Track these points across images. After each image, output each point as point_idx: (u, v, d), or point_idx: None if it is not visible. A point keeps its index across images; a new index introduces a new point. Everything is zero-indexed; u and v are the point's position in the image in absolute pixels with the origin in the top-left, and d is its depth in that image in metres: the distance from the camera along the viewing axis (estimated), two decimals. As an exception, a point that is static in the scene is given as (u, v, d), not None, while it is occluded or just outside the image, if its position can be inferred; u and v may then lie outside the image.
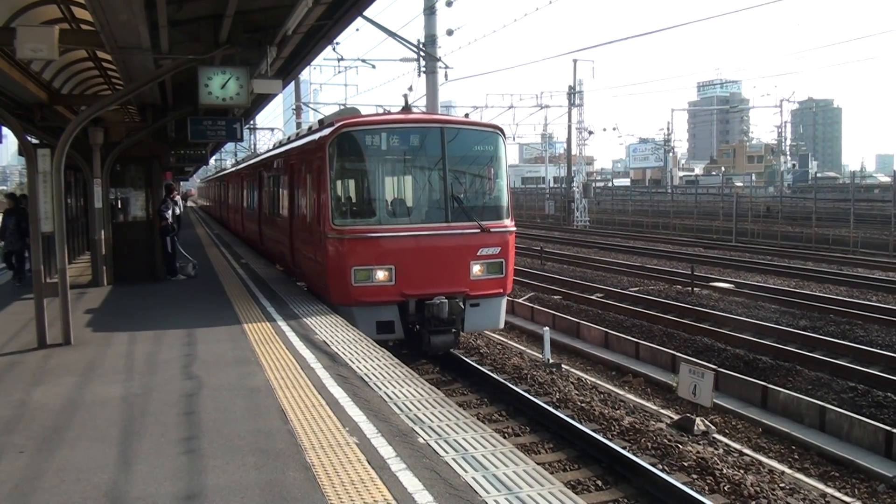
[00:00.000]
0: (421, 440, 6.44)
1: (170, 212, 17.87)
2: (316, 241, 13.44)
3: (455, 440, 6.43)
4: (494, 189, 13.70)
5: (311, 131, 16.64)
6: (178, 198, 23.98)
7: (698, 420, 10.79)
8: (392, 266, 12.43)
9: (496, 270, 13.18)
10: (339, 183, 13.09)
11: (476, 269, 12.95)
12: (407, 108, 14.54)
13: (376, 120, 13.53)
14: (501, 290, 13.46)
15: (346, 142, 12.90)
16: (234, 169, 37.68)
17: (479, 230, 12.88)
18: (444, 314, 12.38)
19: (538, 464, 6.05)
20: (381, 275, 12.42)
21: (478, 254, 12.93)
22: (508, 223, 13.47)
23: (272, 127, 48.17)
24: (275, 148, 23.61)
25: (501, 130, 13.86)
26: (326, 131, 13.23)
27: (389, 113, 14.79)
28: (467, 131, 13.57)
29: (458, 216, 12.88)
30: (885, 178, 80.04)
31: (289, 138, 22.11)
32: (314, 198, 13.51)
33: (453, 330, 12.90)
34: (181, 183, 64.86)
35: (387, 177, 13.44)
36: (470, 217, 12.98)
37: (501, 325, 14.26)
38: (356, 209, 13.20)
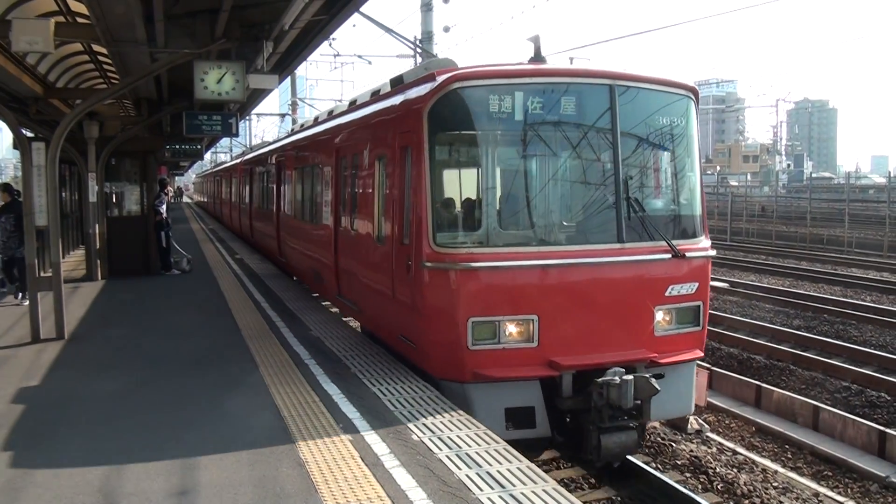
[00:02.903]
0: (415, 437, 6.44)
1: (164, 206, 17.83)
2: (396, 270, 8.73)
3: (449, 437, 6.42)
4: (685, 187, 8.96)
5: (362, 103, 11.67)
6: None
7: (692, 419, 10.80)
8: (534, 316, 7.74)
9: (690, 320, 8.51)
10: (445, 176, 8.39)
11: (661, 318, 8.30)
12: (538, 58, 8.78)
13: (506, 71, 8.33)
14: (698, 352, 8.67)
15: (458, 106, 8.05)
16: (240, 160, 31.67)
17: (670, 256, 8.20)
18: (626, 399, 7.44)
19: (531, 462, 6.06)
20: (515, 330, 7.76)
21: (666, 294, 8.29)
22: (705, 242, 8.77)
23: (283, 113, 46.37)
24: (303, 129, 17.68)
25: (696, 92, 8.93)
26: (420, 90, 8.39)
27: (516, 64, 8.95)
28: (649, 93, 8.56)
29: (636, 233, 8.17)
30: (879, 179, 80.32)
31: (314, 118, 17.25)
32: (393, 200, 8.88)
33: (634, 425, 7.88)
34: (175, 178, 64.66)
35: (524, 167, 8.46)
36: (655, 235, 8.22)
37: (693, 408, 9.10)
38: (474, 222, 8.20)
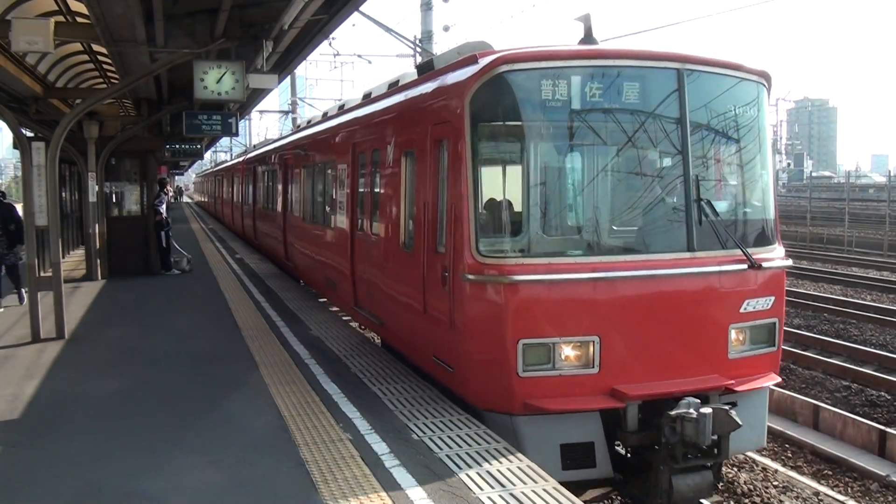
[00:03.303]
0: (415, 437, 6.43)
1: (163, 206, 17.82)
2: (428, 281, 7.70)
3: (448, 437, 6.42)
4: (757, 186, 7.95)
5: (381, 94, 10.59)
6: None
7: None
8: (594, 337, 6.73)
9: (765, 339, 7.56)
10: (489, 174, 7.22)
11: (735, 337, 7.31)
12: (590, 39, 7.94)
13: (561, 52, 7.25)
14: (774, 376, 7.62)
15: (506, 92, 7.02)
16: (243, 158, 30.00)
17: (746, 266, 7.20)
18: (704, 436, 6.41)
19: (531, 461, 6.06)
20: (573, 354, 6.74)
21: (741, 310, 7.29)
22: (780, 250, 7.78)
23: (286, 111, 45.47)
24: (311, 125, 16.55)
25: (768, 78, 7.84)
26: (460, 75, 7.40)
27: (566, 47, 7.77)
28: (720, 78, 7.54)
29: (707, 240, 7.15)
30: (880, 178, 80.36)
31: (323, 114, 16.08)
32: (424, 202, 7.86)
33: (709, 464, 7.00)
34: (175, 177, 64.58)
35: (582, 164, 7.67)
36: (729, 242, 7.25)
37: (765, 442, 8.29)
38: (523, 227, 7.12)
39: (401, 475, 5.58)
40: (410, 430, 6.59)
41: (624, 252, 7.16)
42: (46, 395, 7.91)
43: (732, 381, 7.09)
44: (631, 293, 6.93)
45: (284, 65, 15.84)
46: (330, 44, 32.16)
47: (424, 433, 6.50)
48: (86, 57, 15.61)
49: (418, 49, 24.02)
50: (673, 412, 6.47)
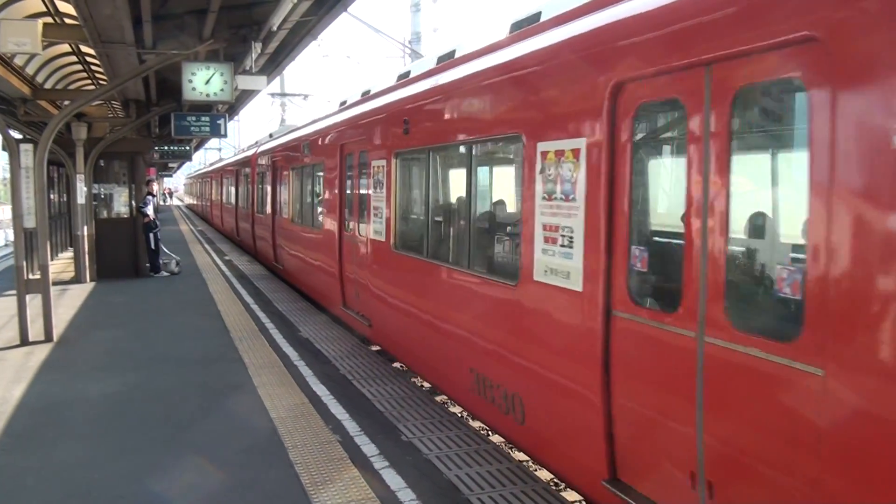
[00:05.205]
0: (404, 438, 6.44)
1: (149, 207, 17.72)
2: None
3: (438, 438, 6.44)
4: None
5: None
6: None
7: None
8: None
9: None
10: None
11: None
12: None
13: None
14: None
15: None
16: (257, 150, 22.25)
17: None
18: None
19: (520, 462, 6.08)
20: None
21: None
22: None
23: (304, 94, 39.94)
24: (379, 93, 10.52)
25: None
26: None
27: None
28: None
29: None
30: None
31: (402, 75, 9.93)
32: None
33: None
34: (164, 179, 63.92)
35: None
36: None
37: None
38: None
39: (390, 477, 5.59)
40: (400, 431, 6.60)
41: None
42: (35, 399, 7.87)
43: None
44: None
45: (273, 66, 15.83)
46: (319, 45, 32.16)
47: (414, 434, 6.52)
48: (74, 58, 15.56)
49: (407, 50, 24.05)
50: None
